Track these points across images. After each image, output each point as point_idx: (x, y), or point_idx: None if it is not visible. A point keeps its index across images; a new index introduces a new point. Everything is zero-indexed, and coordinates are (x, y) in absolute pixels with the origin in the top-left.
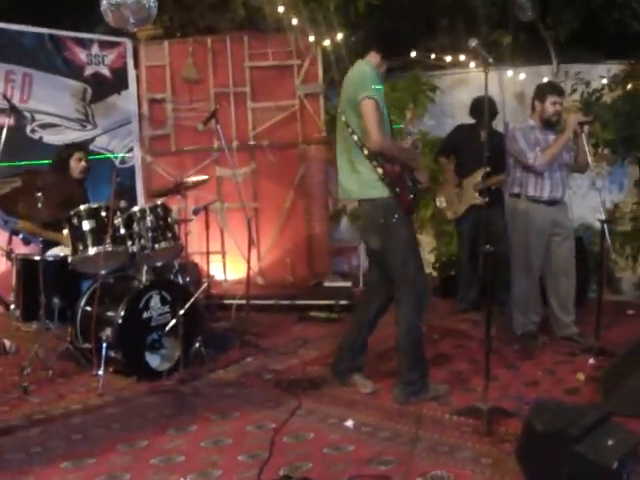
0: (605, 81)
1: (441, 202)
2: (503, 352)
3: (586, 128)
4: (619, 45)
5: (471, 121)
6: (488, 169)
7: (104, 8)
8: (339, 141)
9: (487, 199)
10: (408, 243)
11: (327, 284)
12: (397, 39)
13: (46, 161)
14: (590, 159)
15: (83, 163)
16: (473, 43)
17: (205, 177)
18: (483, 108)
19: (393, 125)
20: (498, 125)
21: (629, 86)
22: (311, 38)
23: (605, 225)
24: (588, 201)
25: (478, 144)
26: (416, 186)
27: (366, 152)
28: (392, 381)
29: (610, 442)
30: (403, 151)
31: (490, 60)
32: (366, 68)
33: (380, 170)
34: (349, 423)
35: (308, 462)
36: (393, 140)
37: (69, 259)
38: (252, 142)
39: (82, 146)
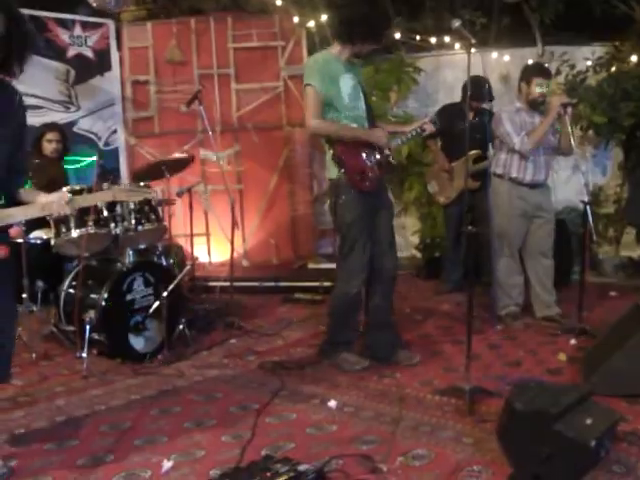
0: (590, 63)
1: (433, 187)
2: (486, 332)
3: (569, 110)
4: (604, 27)
5: (456, 100)
6: (478, 151)
7: None
8: None
9: (479, 183)
10: (348, 224)
11: (311, 266)
12: (353, 26)
13: None
14: (574, 142)
15: (54, 145)
16: (456, 24)
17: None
18: (474, 88)
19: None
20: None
21: (613, 68)
22: (295, 19)
23: (588, 207)
24: (572, 184)
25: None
26: (386, 160)
27: None
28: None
29: (589, 421)
30: (347, 130)
31: (473, 40)
32: (316, 57)
33: (331, 151)
34: (332, 403)
35: (291, 442)
36: (335, 122)
37: (52, 242)
38: (236, 124)
39: (56, 126)
